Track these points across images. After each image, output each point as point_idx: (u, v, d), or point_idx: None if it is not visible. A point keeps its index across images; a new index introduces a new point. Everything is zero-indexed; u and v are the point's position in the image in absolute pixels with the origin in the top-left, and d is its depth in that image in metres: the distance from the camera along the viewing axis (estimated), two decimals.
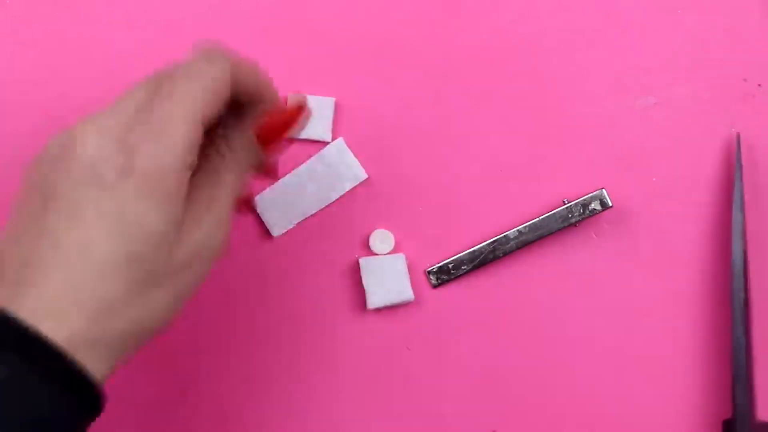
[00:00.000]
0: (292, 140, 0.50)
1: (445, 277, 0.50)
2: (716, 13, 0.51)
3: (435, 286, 0.51)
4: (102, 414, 0.33)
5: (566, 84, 0.51)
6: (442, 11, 0.52)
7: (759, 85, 0.51)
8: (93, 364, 0.32)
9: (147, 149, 0.33)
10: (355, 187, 0.51)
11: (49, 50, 0.52)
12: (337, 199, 0.51)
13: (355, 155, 0.51)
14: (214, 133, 0.37)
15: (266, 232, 0.51)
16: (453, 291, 0.51)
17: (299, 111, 0.41)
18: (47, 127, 0.51)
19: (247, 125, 0.38)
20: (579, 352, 0.51)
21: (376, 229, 0.51)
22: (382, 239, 0.50)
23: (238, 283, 0.51)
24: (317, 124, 0.49)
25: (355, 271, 0.50)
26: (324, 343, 0.51)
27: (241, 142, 0.38)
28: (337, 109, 0.51)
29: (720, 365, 0.50)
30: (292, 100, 0.42)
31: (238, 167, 0.38)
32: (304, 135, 0.49)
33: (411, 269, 0.50)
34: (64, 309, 0.31)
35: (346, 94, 0.51)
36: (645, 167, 0.51)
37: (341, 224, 0.51)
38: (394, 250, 0.50)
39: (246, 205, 0.46)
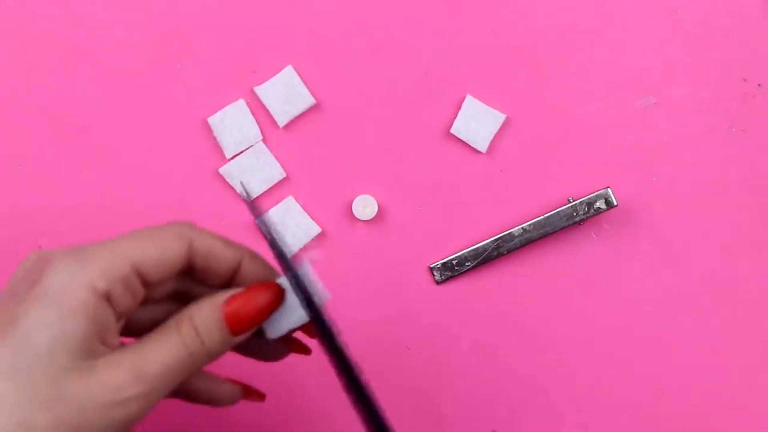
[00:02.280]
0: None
1: (449, 273, 0.50)
2: (716, 13, 0.52)
3: (438, 282, 0.51)
4: None
5: (565, 84, 0.51)
6: (442, 12, 0.52)
7: (759, 85, 0.51)
8: None
9: (59, 267, 0.32)
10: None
11: (49, 50, 0.52)
12: None
13: (354, 151, 0.51)
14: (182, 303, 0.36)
15: None
16: (456, 287, 0.51)
17: (276, 298, 0.35)
18: (47, 126, 0.52)
19: (215, 300, 0.35)
20: (580, 351, 0.51)
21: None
22: (365, 204, 0.51)
23: None
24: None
25: (352, 273, 0.51)
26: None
27: (202, 314, 0.35)
28: (338, 108, 0.51)
29: (719, 364, 0.50)
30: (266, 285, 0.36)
31: (190, 338, 0.34)
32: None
33: (415, 265, 0.51)
34: None
35: (346, 94, 0.51)
36: (645, 167, 0.51)
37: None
38: (377, 216, 0.51)
39: (251, 395, 0.40)
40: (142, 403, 0.32)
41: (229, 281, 0.37)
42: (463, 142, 0.51)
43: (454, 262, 0.50)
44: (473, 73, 0.51)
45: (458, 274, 0.51)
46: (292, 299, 0.36)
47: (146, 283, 0.34)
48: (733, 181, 0.51)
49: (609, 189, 0.49)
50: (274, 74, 0.51)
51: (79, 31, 0.52)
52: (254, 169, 0.51)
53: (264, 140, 0.51)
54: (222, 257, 0.36)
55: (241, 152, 0.51)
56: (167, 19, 0.52)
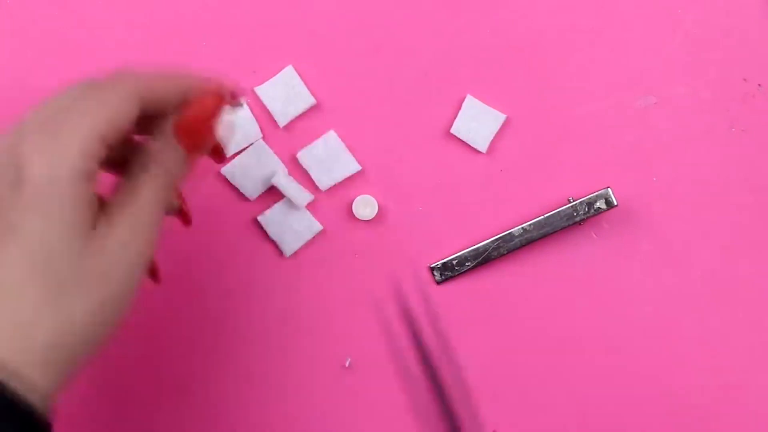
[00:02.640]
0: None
1: (449, 274, 0.50)
2: (716, 13, 0.52)
3: (439, 283, 0.51)
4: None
5: (565, 84, 0.51)
6: (442, 12, 0.52)
7: (759, 85, 0.51)
8: (29, 382, 0.31)
9: (38, 159, 0.33)
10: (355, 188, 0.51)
11: (49, 50, 0.52)
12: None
13: (354, 151, 0.51)
14: (133, 143, 0.38)
15: (279, 253, 0.51)
16: (457, 287, 0.51)
17: (216, 100, 0.38)
18: None
19: (166, 128, 0.38)
20: (580, 351, 0.51)
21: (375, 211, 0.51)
22: (365, 204, 0.51)
23: (257, 304, 0.51)
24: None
25: (352, 273, 0.51)
26: (325, 342, 0.51)
27: (160, 146, 0.37)
28: (338, 108, 0.51)
29: (719, 364, 0.50)
30: (207, 90, 0.38)
31: (159, 172, 0.37)
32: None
33: (415, 265, 0.51)
34: None
35: (346, 94, 0.51)
36: (645, 167, 0.51)
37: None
38: (377, 216, 0.51)
39: (183, 214, 0.43)
40: (148, 247, 0.36)
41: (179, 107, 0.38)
42: (463, 142, 0.51)
43: (454, 262, 0.50)
44: (473, 73, 0.51)
45: (458, 274, 0.51)
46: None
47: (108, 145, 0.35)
48: (733, 181, 0.51)
49: (609, 189, 0.49)
50: (274, 74, 0.51)
51: (79, 31, 0.52)
52: (255, 167, 0.51)
53: (264, 140, 0.51)
54: (170, 97, 0.37)
55: (241, 151, 0.51)
56: (167, 19, 0.52)
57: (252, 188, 0.51)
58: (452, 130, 0.51)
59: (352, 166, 0.51)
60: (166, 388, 0.51)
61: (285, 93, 0.51)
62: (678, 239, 0.51)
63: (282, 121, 0.51)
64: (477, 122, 0.51)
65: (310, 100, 0.51)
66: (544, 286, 0.51)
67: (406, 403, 0.51)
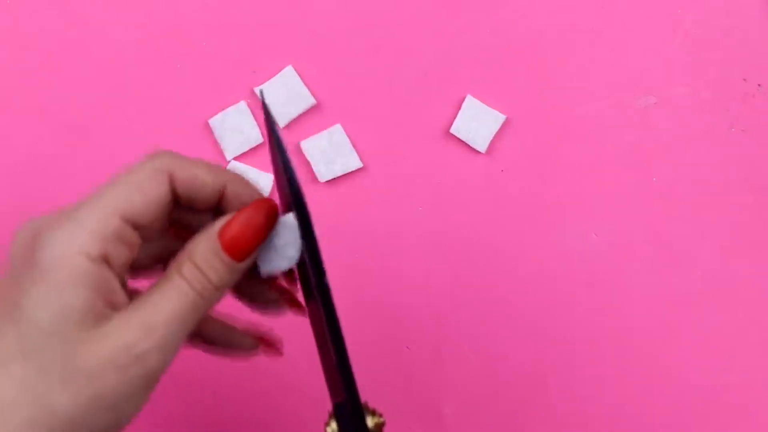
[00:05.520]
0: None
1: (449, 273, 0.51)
2: (716, 13, 0.52)
3: (438, 282, 0.51)
4: None
5: (565, 84, 0.51)
6: (442, 12, 0.52)
7: (759, 85, 0.51)
8: None
9: (48, 238, 0.31)
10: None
11: (49, 50, 0.52)
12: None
13: (354, 149, 0.51)
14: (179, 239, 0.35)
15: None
16: (457, 287, 0.51)
17: (266, 217, 0.34)
18: (47, 126, 0.52)
19: (209, 229, 0.33)
20: (580, 351, 0.51)
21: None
22: None
23: None
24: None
25: (352, 273, 0.51)
26: None
27: (202, 250, 0.33)
28: (338, 108, 0.51)
29: (719, 364, 0.50)
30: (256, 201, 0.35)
31: (192, 275, 0.33)
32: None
33: (415, 265, 0.51)
34: None
35: (346, 94, 0.51)
36: (645, 167, 0.51)
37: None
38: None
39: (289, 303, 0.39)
40: (158, 355, 0.32)
41: (215, 205, 0.35)
42: (463, 142, 0.51)
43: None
44: (473, 73, 0.51)
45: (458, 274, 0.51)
46: (287, 236, 0.35)
47: (138, 228, 0.33)
48: (733, 181, 0.51)
49: None
50: (274, 74, 0.51)
51: (79, 32, 0.52)
52: (253, 172, 0.51)
53: (264, 141, 0.51)
54: (204, 184, 0.34)
55: (242, 154, 0.51)
56: (167, 19, 0.52)
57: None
58: (452, 130, 0.51)
59: (353, 162, 0.51)
60: (166, 387, 0.51)
61: (285, 93, 0.51)
62: (678, 239, 0.51)
63: (282, 122, 0.51)
64: (477, 122, 0.51)
65: (310, 100, 0.51)
66: (544, 287, 0.51)
67: (405, 403, 0.51)
